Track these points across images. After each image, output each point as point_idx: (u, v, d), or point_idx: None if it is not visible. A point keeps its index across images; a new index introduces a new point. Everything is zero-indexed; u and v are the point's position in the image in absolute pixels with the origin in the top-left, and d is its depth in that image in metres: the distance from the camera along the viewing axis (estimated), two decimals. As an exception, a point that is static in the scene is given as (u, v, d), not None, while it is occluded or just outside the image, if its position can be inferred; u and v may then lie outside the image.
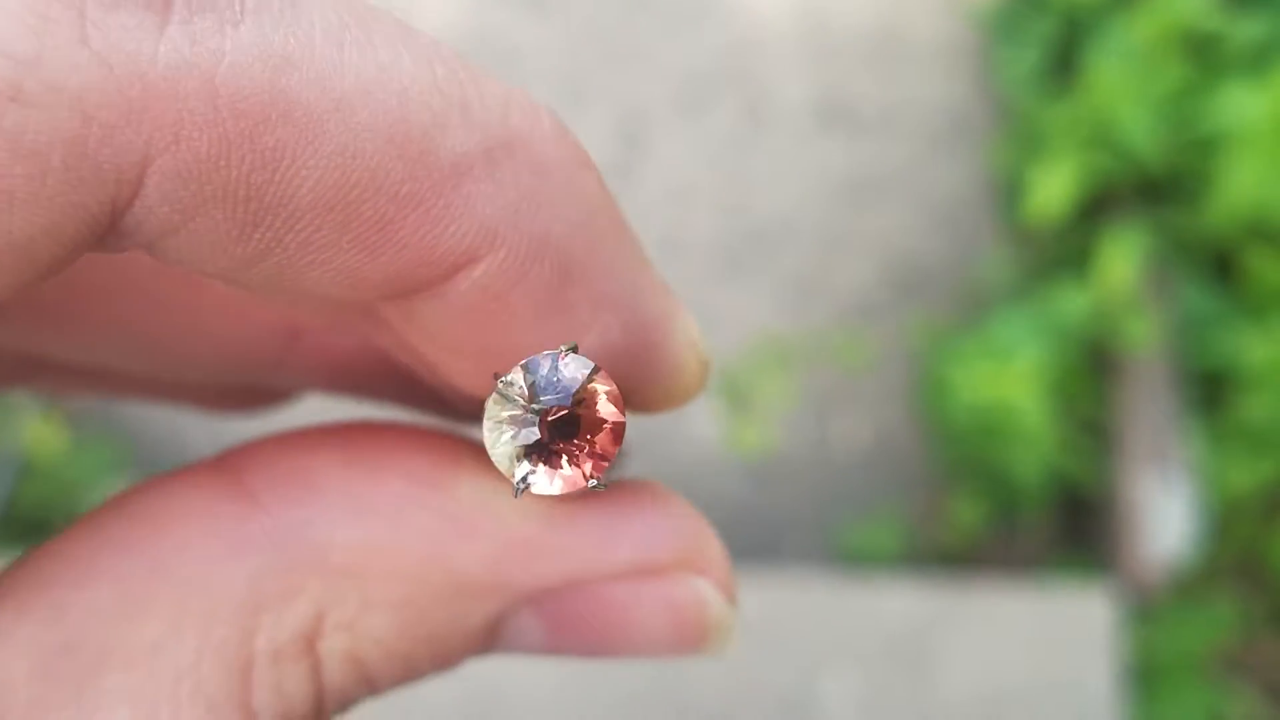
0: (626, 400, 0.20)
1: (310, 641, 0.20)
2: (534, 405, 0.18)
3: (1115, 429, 1.31)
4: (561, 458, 0.19)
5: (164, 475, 0.20)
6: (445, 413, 0.27)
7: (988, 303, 1.43)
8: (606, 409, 0.19)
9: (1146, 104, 1.32)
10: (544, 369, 0.18)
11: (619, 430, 0.19)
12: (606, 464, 0.19)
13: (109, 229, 0.16)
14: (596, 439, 0.19)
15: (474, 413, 0.24)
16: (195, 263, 0.17)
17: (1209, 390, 1.31)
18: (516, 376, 0.18)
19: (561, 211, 0.19)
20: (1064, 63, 1.47)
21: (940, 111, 1.60)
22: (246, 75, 0.15)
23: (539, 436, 0.18)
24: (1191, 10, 1.32)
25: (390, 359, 0.26)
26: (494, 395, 0.18)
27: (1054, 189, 1.36)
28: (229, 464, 0.21)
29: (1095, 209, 1.41)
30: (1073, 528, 1.37)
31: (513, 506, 0.21)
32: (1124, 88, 1.32)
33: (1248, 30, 1.31)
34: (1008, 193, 1.51)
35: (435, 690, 1.08)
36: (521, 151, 0.18)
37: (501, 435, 0.18)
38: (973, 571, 1.34)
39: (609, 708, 1.08)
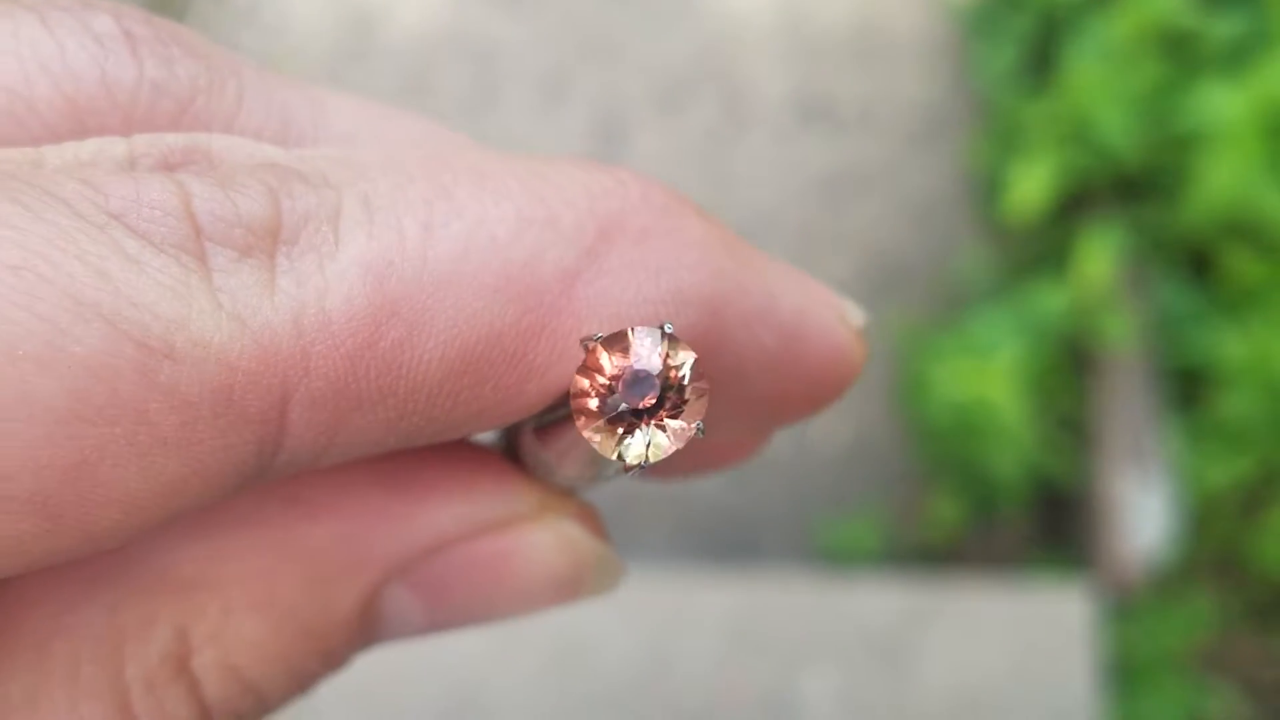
0: (794, 402, 0.21)
1: (182, 661, 0.19)
2: (621, 393, 0.18)
3: (1093, 426, 1.31)
4: (640, 426, 0.18)
5: None
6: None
7: (966, 300, 1.44)
8: (683, 361, 0.18)
9: (1124, 102, 1.32)
10: (635, 351, 0.18)
11: (704, 380, 0.19)
12: (703, 409, 0.19)
13: (263, 465, 0.17)
14: (687, 394, 0.18)
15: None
16: (357, 457, 0.19)
17: (1186, 387, 1.31)
18: (602, 359, 0.18)
19: (679, 265, 0.20)
20: (1042, 60, 1.48)
21: (919, 109, 1.60)
22: (351, 294, 0.17)
23: (627, 408, 0.18)
24: (1168, 8, 1.33)
25: None
26: (579, 379, 0.18)
27: (1032, 186, 1.36)
28: None
29: (1073, 206, 1.41)
30: (1051, 525, 1.38)
31: (357, 480, 0.21)
32: (1101, 85, 1.33)
33: (1224, 28, 1.31)
34: (986, 190, 1.51)
35: (415, 689, 1.08)
36: (618, 233, 0.19)
37: (601, 426, 0.18)
38: (952, 569, 1.34)
39: (589, 705, 1.08)
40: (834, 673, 1.09)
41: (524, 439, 0.22)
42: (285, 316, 0.17)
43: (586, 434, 0.18)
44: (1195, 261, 1.36)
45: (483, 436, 0.23)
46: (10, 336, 0.15)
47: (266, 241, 0.17)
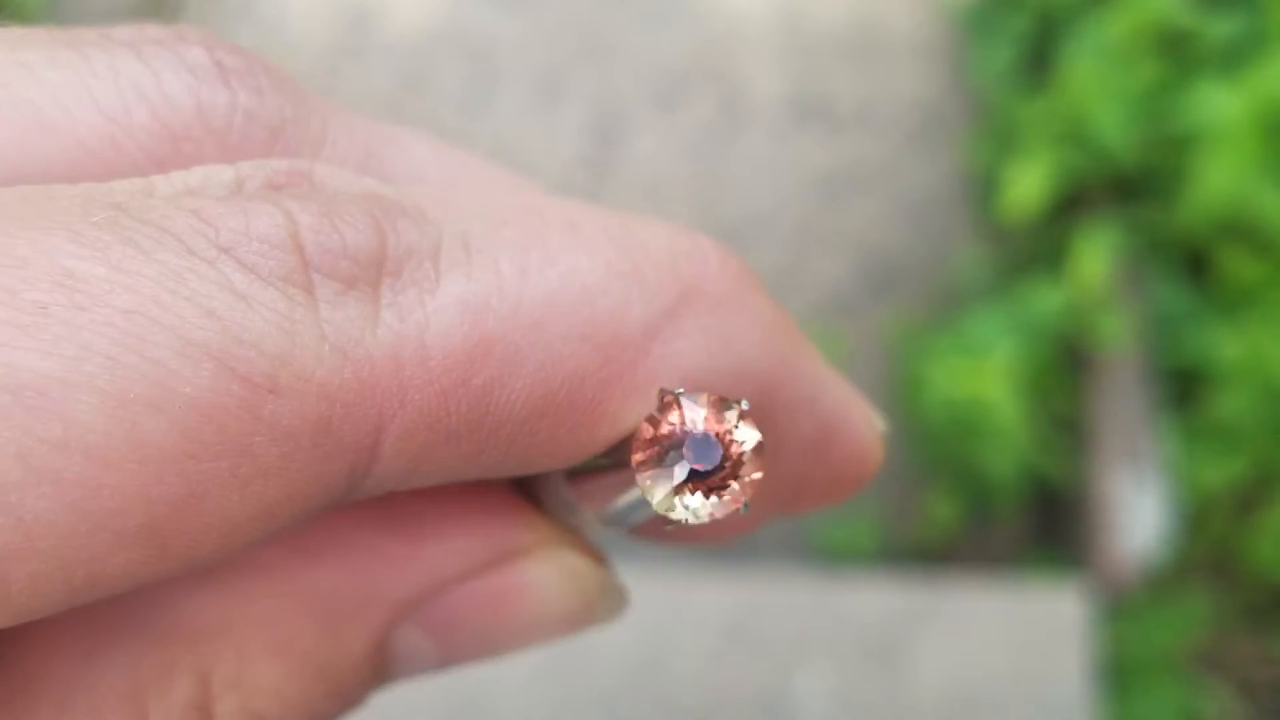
0: (813, 491, 0.22)
1: (204, 709, 0.20)
2: (686, 451, 0.18)
3: (1089, 426, 1.31)
4: (692, 488, 0.19)
5: None
6: None
7: (962, 299, 1.44)
8: (750, 460, 0.19)
9: (1120, 101, 1.32)
10: (709, 415, 0.19)
11: (755, 483, 0.19)
12: (754, 489, 0.19)
13: (351, 487, 0.18)
14: (742, 471, 0.19)
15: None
16: (436, 483, 0.19)
17: (1182, 387, 1.31)
18: (675, 414, 0.19)
19: (746, 339, 0.21)
20: (1039, 60, 1.48)
21: (916, 108, 1.60)
22: (450, 331, 0.18)
23: (690, 471, 0.18)
24: (1166, 8, 1.33)
25: None
26: (646, 425, 0.19)
27: (1028, 186, 1.36)
28: None
29: (1069, 206, 1.41)
30: (1046, 524, 1.38)
31: (357, 523, 0.22)
32: (1098, 85, 1.33)
33: (1221, 28, 1.31)
34: (982, 189, 1.51)
35: (413, 689, 1.07)
36: (697, 298, 0.20)
37: (658, 475, 0.18)
38: (947, 568, 1.34)
39: (585, 705, 1.08)
40: (829, 671, 1.09)
41: (550, 475, 0.22)
42: (386, 350, 0.17)
43: (643, 481, 0.18)
44: (1191, 261, 1.36)
45: None
46: (122, 380, 0.15)
47: (371, 273, 0.17)
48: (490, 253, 0.18)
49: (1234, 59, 1.29)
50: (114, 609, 0.19)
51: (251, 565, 0.21)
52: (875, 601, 1.13)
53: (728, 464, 0.18)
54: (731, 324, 0.20)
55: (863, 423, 0.24)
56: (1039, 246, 1.43)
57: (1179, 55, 1.34)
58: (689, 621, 1.11)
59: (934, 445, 1.35)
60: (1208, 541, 1.29)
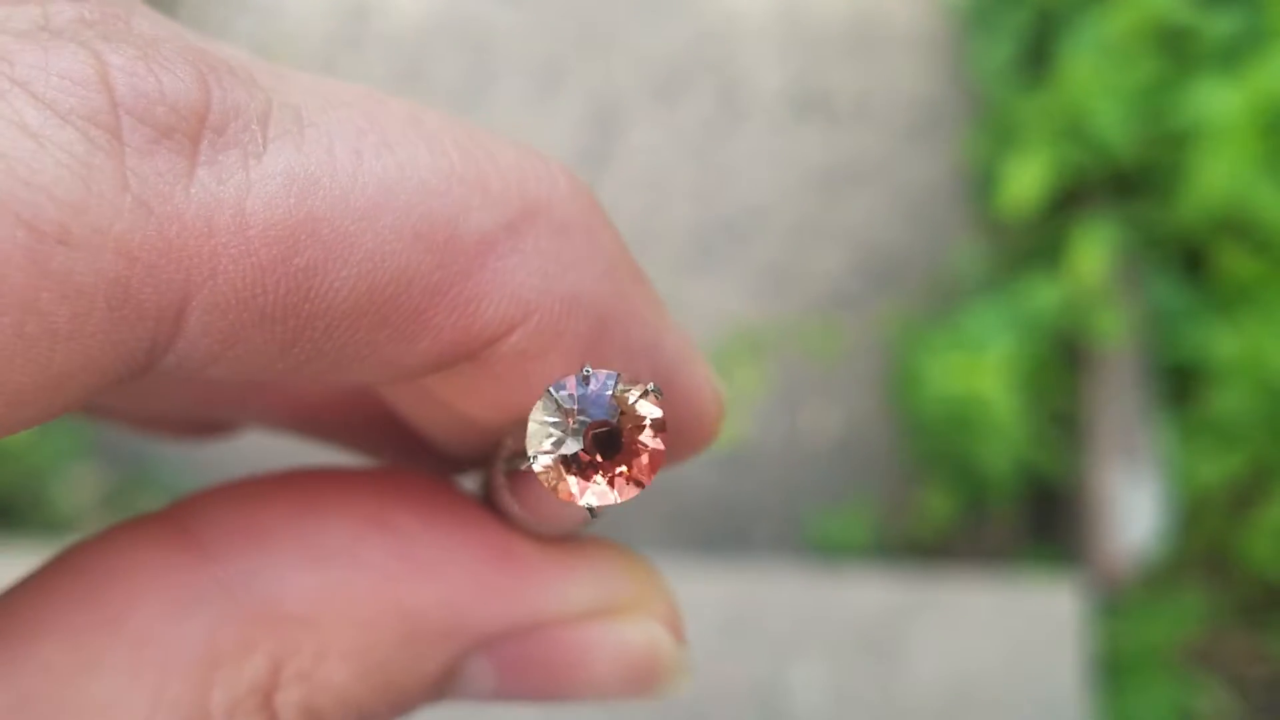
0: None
1: (267, 694, 0.19)
2: (578, 418, 0.18)
3: (1085, 422, 1.31)
4: (596, 474, 0.18)
5: (113, 529, 0.20)
6: (421, 456, 0.27)
7: (959, 294, 1.44)
8: (648, 436, 0.18)
9: (1119, 97, 1.32)
10: (594, 384, 0.18)
11: (657, 459, 0.18)
12: (639, 489, 0.18)
13: (150, 362, 0.16)
14: (634, 463, 0.18)
15: (466, 456, 0.24)
16: (235, 378, 0.18)
17: (1178, 384, 1.31)
18: (567, 387, 0.18)
19: (587, 268, 0.19)
20: (1038, 55, 1.48)
21: (914, 103, 1.60)
22: (273, 203, 0.16)
23: (579, 448, 0.18)
24: (1165, 4, 1.33)
25: (363, 401, 0.26)
26: (541, 402, 0.18)
27: (1026, 181, 1.36)
28: (178, 516, 0.20)
29: (1067, 202, 1.41)
30: (1042, 520, 1.38)
31: (468, 544, 0.21)
32: (1097, 81, 1.33)
33: (1220, 24, 1.31)
34: (980, 185, 1.51)
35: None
36: (542, 217, 0.19)
37: (544, 442, 0.18)
38: (942, 563, 1.34)
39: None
40: (823, 665, 1.09)
41: (496, 487, 0.22)
42: (198, 211, 0.16)
43: (543, 479, 0.18)
44: (1189, 258, 1.36)
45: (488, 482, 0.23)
46: None
47: (191, 125, 0.16)
48: (324, 128, 0.17)
49: (1233, 56, 1.29)
50: (203, 573, 0.19)
51: (352, 560, 0.20)
52: (871, 596, 1.13)
53: (625, 437, 0.18)
54: (574, 250, 0.19)
55: (704, 380, 0.23)
56: (1037, 242, 1.43)
57: (1178, 52, 1.34)
58: (683, 614, 1.11)
59: (930, 440, 1.35)
60: (1203, 538, 1.29)
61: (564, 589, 0.22)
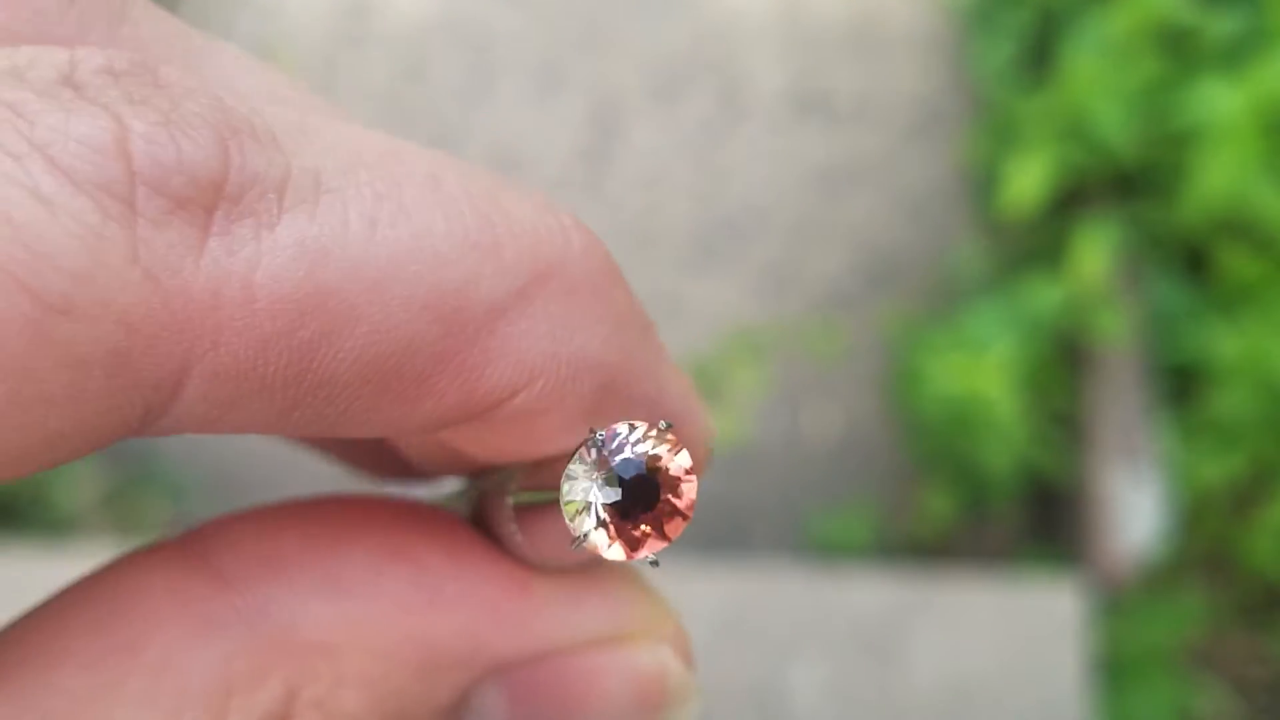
0: None
1: None
2: (610, 467, 0.18)
3: (1086, 422, 1.31)
4: (626, 526, 0.18)
5: (130, 554, 0.20)
6: (414, 479, 0.27)
7: (960, 294, 1.43)
8: (683, 495, 0.18)
9: (1121, 97, 1.32)
10: (624, 438, 0.18)
11: (687, 514, 0.18)
12: (667, 543, 0.18)
13: (145, 425, 0.16)
14: (664, 519, 0.18)
15: (435, 469, 0.24)
16: (235, 433, 0.18)
17: (1180, 384, 1.31)
18: (601, 443, 0.18)
19: (595, 329, 0.19)
20: (1039, 55, 1.47)
21: (915, 102, 1.60)
22: (281, 276, 0.16)
23: (615, 498, 0.18)
24: (1167, 4, 1.33)
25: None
26: (582, 449, 0.18)
27: (1028, 181, 1.36)
28: (195, 542, 0.20)
29: (1068, 202, 1.41)
30: (1042, 520, 1.38)
31: (482, 573, 0.21)
32: (1099, 81, 1.32)
33: (1223, 25, 1.31)
34: (981, 185, 1.51)
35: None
36: (554, 280, 0.19)
37: (576, 488, 0.18)
38: (942, 563, 1.34)
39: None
40: (823, 665, 1.09)
41: (499, 520, 0.22)
42: (205, 283, 0.15)
43: (564, 506, 0.18)
44: (1190, 259, 1.36)
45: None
46: None
47: (207, 196, 0.16)
48: (341, 195, 0.16)
49: (1234, 56, 1.29)
50: (221, 600, 0.19)
51: (372, 589, 0.20)
52: (871, 596, 1.12)
53: (659, 486, 0.18)
54: (583, 312, 0.19)
55: (698, 432, 0.23)
56: (1038, 242, 1.43)
57: (1179, 52, 1.34)
58: (683, 614, 1.11)
59: (931, 440, 1.34)
60: (1204, 539, 1.29)
61: (575, 616, 0.22)
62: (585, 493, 0.18)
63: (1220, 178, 1.22)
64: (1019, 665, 1.09)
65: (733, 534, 1.41)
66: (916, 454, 1.39)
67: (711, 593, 1.12)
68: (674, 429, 0.20)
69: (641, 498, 0.18)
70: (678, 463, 0.18)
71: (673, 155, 1.59)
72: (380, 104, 1.63)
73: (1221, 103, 1.22)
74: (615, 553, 0.18)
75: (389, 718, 0.20)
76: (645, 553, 0.18)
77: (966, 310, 1.36)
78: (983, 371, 1.25)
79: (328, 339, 0.16)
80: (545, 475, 0.20)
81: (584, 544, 0.18)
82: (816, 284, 1.51)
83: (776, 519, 1.42)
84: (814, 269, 1.52)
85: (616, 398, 0.20)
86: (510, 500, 0.21)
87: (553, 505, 0.19)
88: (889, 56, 1.63)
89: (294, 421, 0.17)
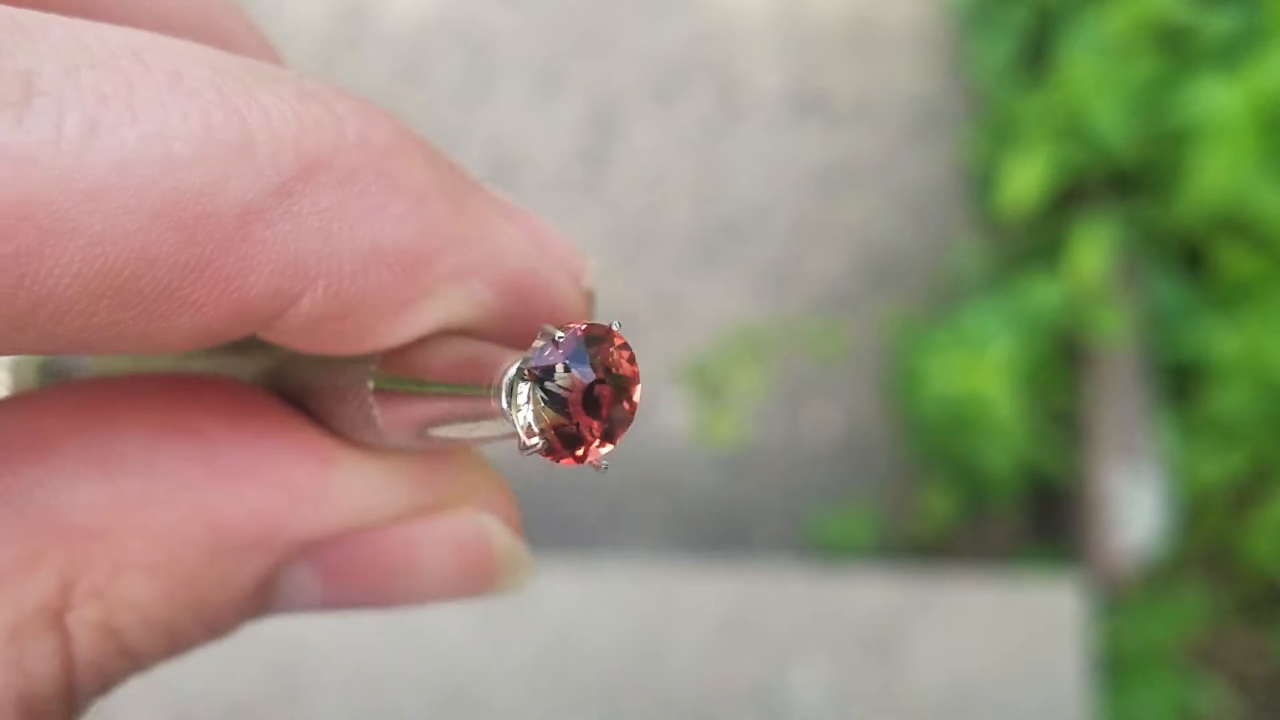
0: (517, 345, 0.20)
1: (57, 614, 0.18)
2: (564, 373, 0.17)
3: (1086, 421, 1.31)
4: (580, 430, 0.18)
5: None
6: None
7: (960, 293, 1.44)
8: (633, 399, 0.18)
9: (1118, 96, 1.32)
10: (576, 341, 0.17)
11: (632, 417, 0.18)
12: (613, 446, 0.18)
13: None
14: (611, 423, 0.18)
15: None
16: None
17: (1179, 382, 1.31)
18: (553, 343, 0.17)
19: (385, 214, 0.18)
20: (1037, 54, 1.48)
21: (914, 102, 1.60)
22: None
23: (567, 402, 0.17)
24: (1164, 2, 1.33)
25: None
26: (532, 351, 0.17)
27: (1026, 180, 1.36)
28: None
29: (1067, 200, 1.41)
30: (1043, 519, 1.38)
31: (280, 451, 0.20)
32: (1096, 79, 1.32)
33: (1219, 23, 1.31)
34: (980, 183, 1.51)
35: (405, 680, 1.07)
36: (321, 172, 0.17)
37: (524, 393, 0.17)
38: (943, 562, 1.34)
39: (579, 696, 1.08)
40: (825, 665, 1.09)
41: (347, 396, 0.21)
42: None
43: (515, 413, 0.17)
44: (1189, 256, 1.36)
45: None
46: None
47: None
48: (57, 97, 0.15)
49: (1232, 54, 1.29)
50: None
51: (151, 466, 0.19)
52: (871, 595, 1.13)
53: (610, 391, 0.17)
54: (365, 199, 0.18)
55: (562, 283, 0.21)
56: (1037, 241, 1.43)
57: (1177, 50, 1.34)
58: (685, 615, 1.11)
59: (931, 439, 1.34)
60: (1204, 537, 1.29)
61: (386, 489, 0.21)
62: (530, 396, 0.17)
63: (1218, 176, 1.22)
64: (1020, 664, 1.09)
65: (733, 534, 1.41)
66: (917, 453, 1.39)
67: (712, 593, 1.12)
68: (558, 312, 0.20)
69: (592, 402, 0.18)
70: (628, 366, 0.18)
71: (672, 156, 1.59)
72: (379, 105, 1.63)
73: (1219, 101, 1.23)
74: (565, 457, 0.18)
75: (184, 606, 0.19)
76: (593, 457, 0.18)
77: (966, 309, 1.36)
78: (982, 370, 1.25)
79: (38, 253, 0.15)
80: (408, 363, 0.20)
81: (534, 449, 0.17)
82: (816, 284, 1.51)
83: (777, 519, 1.42)
84: (813, 269, 1.52)
85: (436, 273, 0.19)
86: (371, 384, 0.20)
87: (421, 395, 0.19)
88: (887, 56, 1.63)
89: (25, 340, 0.16)
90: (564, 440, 0.18)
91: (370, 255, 0.18)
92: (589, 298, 0.23)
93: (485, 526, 0.22)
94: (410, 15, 1.66)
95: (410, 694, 1.07)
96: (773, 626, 1.11)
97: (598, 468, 0.18)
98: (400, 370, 0.20)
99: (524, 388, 0.17)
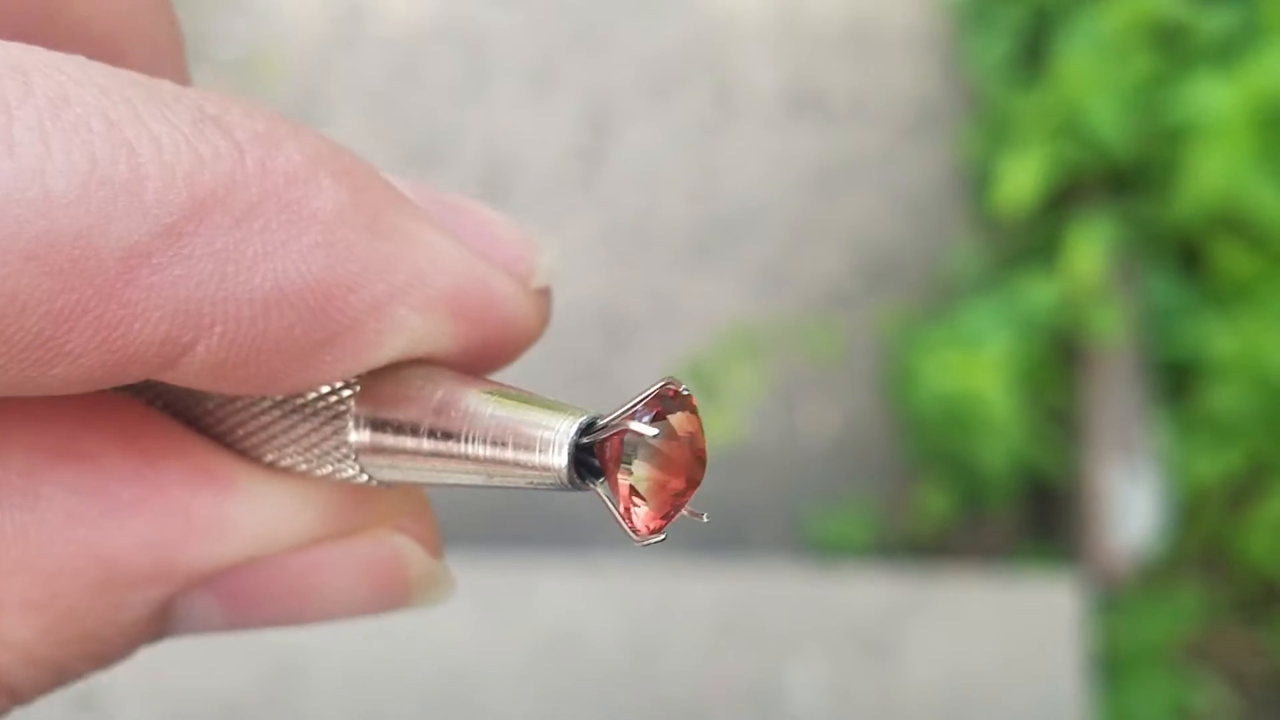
0: (470, 362, 0.19)
1: None
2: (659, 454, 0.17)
3: (1082, 419, 1.31)
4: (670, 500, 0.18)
5: None
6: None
7: (956, 292, 1.43)
8: (703, 471, 0.18)
9: (1115, 94, 1.32)
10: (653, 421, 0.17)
11: (697, 478, 0.18)
12: (682, 509, 0.18)
13: None
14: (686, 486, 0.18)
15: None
16: None
17: (1175, 381, 1.31)
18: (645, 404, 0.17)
19: (291, 248, 0.17)
20: (1034, 53, 1.47)
21: (910, 101, 1.60)
22: None
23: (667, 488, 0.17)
24: (1160, 1, 1.33)
25: None
26: (635, 431, 0.17)
27: (1022, 179, 1.36)
28: None
29: (1063, 199, 1.41)
30: (1039, 518, 1.38)
31: (176, 476, 0.19)
32: (1093, 78, 1.32)
33: (1215, 21, 1.31)
34: (977, 182, 1.51)
35: (401, 681, 1.07)
36: (216, 211, 0.16)
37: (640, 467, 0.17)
38: (940, 561, 1.34)
39: (576, 696, 1.08)
40: (822, 663, 1.09)
41: (240, 419, 0.20)
42: None
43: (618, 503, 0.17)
44: (1185, 255, 1.36)
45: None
46: None
47: None
48: None
49: (1228, 52, 1.29)
50: None
51: (32, 497, 0.18)
52: (868, 594, 1.12)
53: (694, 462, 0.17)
54: (267, 236, 0.16)
55: (503, 291, 0.20)
56: (1033, 240, 1.43)
57: (1173, 48, 1.34)
58: (681, 614, 1.11)
59: (927, 438, 1.34)
60: (1200, 535, 1.29)
61: (291, 515, 0.20)
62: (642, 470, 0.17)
63: (1214, 174, 1.22)
64: (1017, 662, 1.09)
65: (730, 533, 1.41)
66: (913, 452, 1.39)
67: (709, 592, 1.12)
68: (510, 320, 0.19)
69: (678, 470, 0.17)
70: (700, 437, 0.17)
71: (668, 155, 1.59)
72: (374, 106, 1.63)
73: (1215, 99, 1.22)
74: (649, 526, 0.17)
75: (69, 642, 0.18)
76: (664, 527, 0.18)
77: (962, 308, 1.36)
78: (979, 369, 1.25)
79: None
80: (382, 393, 0.19)
81: (648, 541, 0.17)
82: (812, 283, 1.51)
83: (774, 518, 1.42)
84: (810, 268, 1.52)
85: (350, 306, 0.17)
86: (353, 435, 0.19)
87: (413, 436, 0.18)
88: (884, 55, 1.63)
89: None
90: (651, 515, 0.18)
91: (273, 296, 0.16)
92: (542, 297, 0.21)
93: (399, 548, 0.21)
94: (405, 16, 1.66)
95: (405, 693, 1.07)
96: (769, 625, 1.11)
97: (702, 518, 0.18)
98: (375, 401, 0.19)
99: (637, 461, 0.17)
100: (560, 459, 0.17)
